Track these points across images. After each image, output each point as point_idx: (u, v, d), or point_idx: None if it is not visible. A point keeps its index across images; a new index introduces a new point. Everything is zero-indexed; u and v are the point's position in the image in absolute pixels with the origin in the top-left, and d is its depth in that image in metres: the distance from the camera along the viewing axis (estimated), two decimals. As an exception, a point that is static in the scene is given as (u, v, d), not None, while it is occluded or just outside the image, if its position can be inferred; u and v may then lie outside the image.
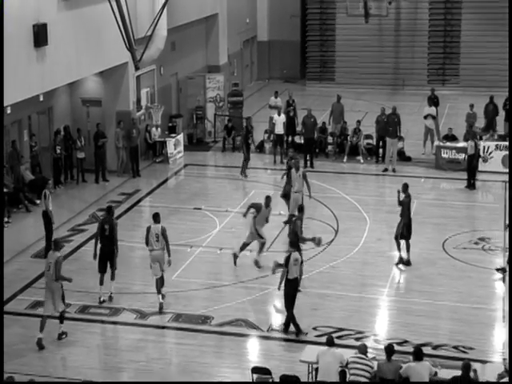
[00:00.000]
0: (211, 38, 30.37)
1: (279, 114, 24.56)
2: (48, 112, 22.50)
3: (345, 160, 23.89)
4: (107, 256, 15.15)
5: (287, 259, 13.79)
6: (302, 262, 14.17)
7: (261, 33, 37.14)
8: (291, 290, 13.84)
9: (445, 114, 29.39)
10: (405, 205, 16.74)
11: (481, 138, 23.52)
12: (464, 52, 34.01)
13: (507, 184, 22.13)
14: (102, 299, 15.11)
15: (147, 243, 14.89)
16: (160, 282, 15.04)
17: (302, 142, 24.53)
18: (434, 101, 26.16)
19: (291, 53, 36.79)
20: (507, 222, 18.62)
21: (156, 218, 14.96)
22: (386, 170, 23.40)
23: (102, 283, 15.19)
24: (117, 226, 15.23)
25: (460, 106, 29.46)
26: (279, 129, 24.46)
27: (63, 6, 19.36)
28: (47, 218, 17.27)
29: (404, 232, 16.69)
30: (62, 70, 19.41)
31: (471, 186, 21.85)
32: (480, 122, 25.62)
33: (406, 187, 16.89)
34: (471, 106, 25.28)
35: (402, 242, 16.86)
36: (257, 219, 16.51)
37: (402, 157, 24.46)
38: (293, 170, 18.51)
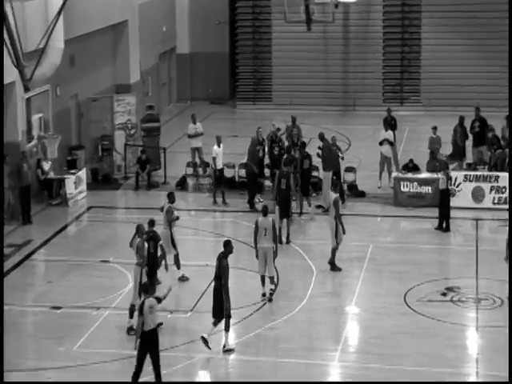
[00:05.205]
0: (119, 50, 30.58)
1: (219, 145, 24.58)
2: None
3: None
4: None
5: (141, 306, 14.07)
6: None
7: (181, 43, 37.53)
8: (147, 344, 14.07)
9: (404, 139, 30.13)
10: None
11: (447, 167, 24.09)
12: (425, 65, 34.93)
13: (479, 222, 22.82)
14: None
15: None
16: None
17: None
18: (390, 123, 26.79)
19: (218, 67, 37.25)
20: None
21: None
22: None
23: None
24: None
25: (422, 129, 30.22)
26: (220, 163, 24.59)
27: None
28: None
29: None
30: None
31: (444, 227, 22.16)
32: (446, 148, 26.27)
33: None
34: (434, 129, 25.98)
35: None
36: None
37: (354, 191, 24.96)
38: None
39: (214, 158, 24.50)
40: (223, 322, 15.82)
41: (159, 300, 14.54)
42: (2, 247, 19.19)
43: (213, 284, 16.10)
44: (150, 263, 17.20)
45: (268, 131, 25.38)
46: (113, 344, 16.37)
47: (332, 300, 18.30)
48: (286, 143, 25.40)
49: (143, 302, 14.21)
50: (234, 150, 26.64)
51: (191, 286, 18.88)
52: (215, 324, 15.87)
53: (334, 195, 19.75)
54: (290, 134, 25.64)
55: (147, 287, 14.77)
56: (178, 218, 19.30)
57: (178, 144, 29.94)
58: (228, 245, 16.03)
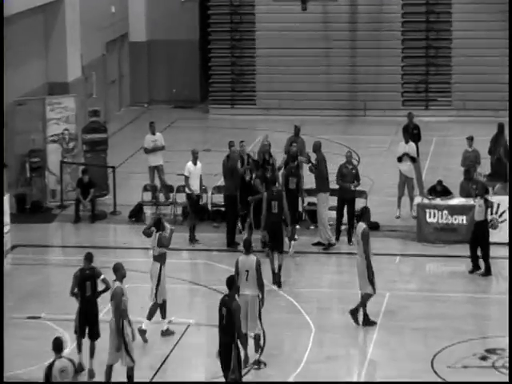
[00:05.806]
0: (53, 38, 30.63)
1: (195, 162, 24.69)
2: None
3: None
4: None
5: (49, 369, 14.06)
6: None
7: (135, 29, 37.71)
8: None
9: (430, 154, 30.28)
10: None
11: (487, 191, 24.20)
12: (457, 55, 35.26)
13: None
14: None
15: None
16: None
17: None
18: (412, 133, 26.92)
19: (185, 60, 37.42)
20: None
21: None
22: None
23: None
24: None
25: (453, 140, 30.38)
26: (197, 186, 24.65)
27: None
28: None
29: None
30: None
31: (484, 271, 22.27)
32: (485, 166, 26.42)
33: None
34: (470, 140, 26.11)
35: None
36: None
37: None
38: None
39: (187, 178, 24.54)
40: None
41: (75, 369, 14.50)
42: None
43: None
44: (88, 310, 17.42)
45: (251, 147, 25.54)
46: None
47: (335, 366, 18.26)
48: (279, 161, 25.30)
49: (52, 364, 14.11)
50: (205, 169, 26.61)
51: (152, 349, 18.87)
52: None
53: (362, 226, 19.90)
54: (289, 150, 25.34)
55: (59, 344, 14.46)
56: (172, 231, 19.55)
57: (132, 161, 29.97)
58: (233, 282, 16.46)
